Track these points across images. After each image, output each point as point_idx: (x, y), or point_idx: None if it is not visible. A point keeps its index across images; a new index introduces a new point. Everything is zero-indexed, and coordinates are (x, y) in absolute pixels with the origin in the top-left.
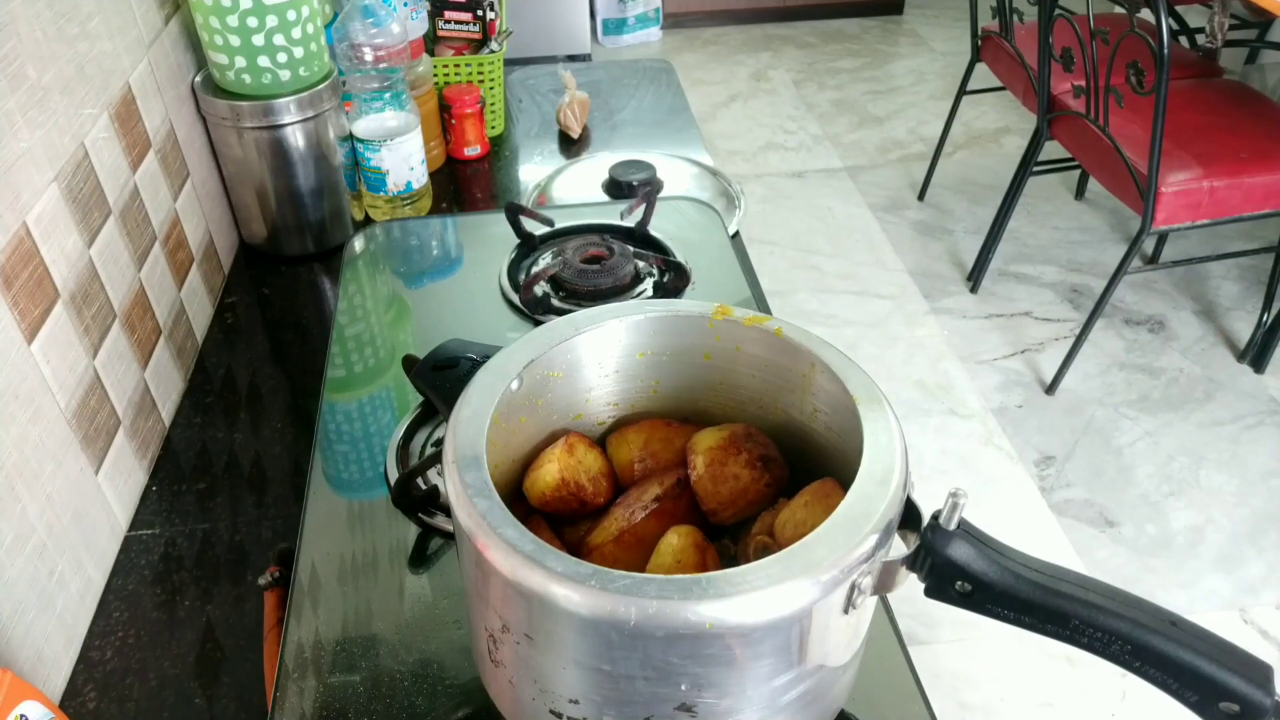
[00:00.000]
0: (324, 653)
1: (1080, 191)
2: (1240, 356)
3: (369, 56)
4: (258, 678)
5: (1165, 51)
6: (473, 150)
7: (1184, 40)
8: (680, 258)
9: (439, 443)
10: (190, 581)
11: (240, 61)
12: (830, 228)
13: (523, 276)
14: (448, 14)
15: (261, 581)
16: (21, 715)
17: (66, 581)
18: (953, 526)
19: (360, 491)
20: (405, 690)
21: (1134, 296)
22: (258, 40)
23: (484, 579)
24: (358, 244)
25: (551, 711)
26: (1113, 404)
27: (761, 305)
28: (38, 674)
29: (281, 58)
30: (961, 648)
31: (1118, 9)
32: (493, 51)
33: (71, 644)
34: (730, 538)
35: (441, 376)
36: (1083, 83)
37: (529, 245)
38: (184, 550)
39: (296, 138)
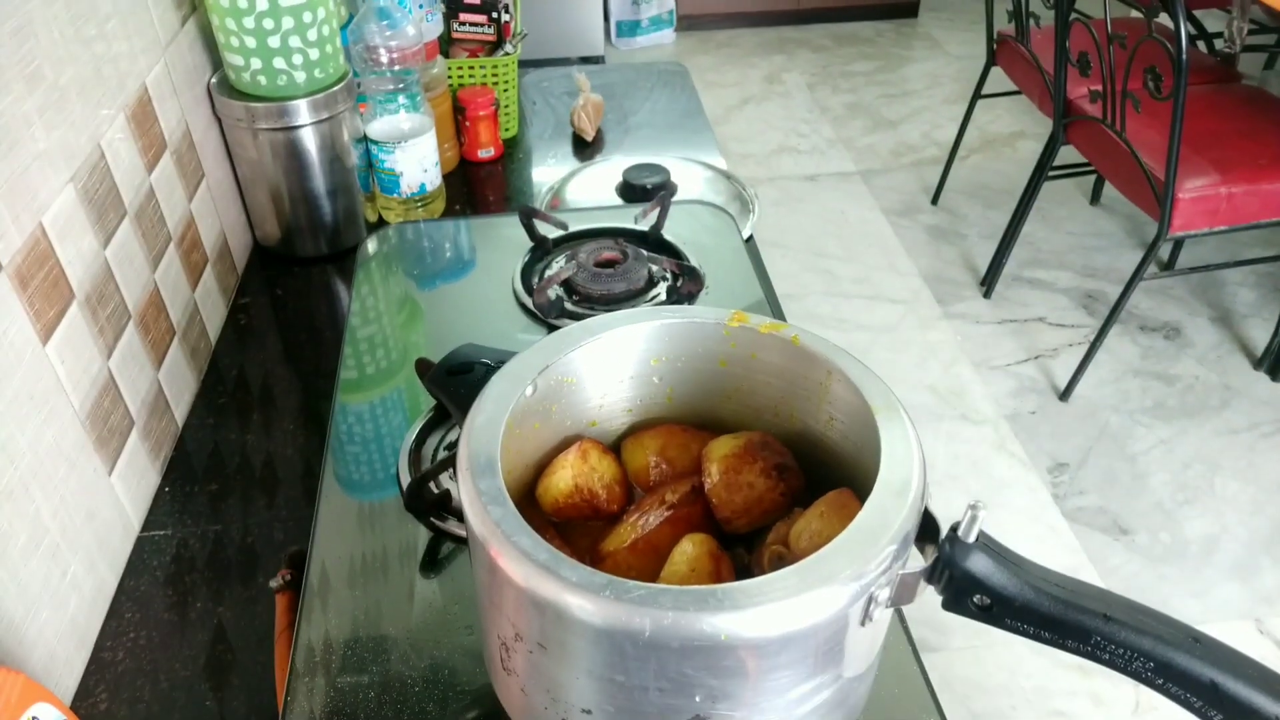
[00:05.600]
0: (334, 656)
1: (1096, 197)
2: (1257, 364)
3: (384, 58)
4: (268, 680)
5: (1183, 56)
6: (486, 152)
7: (1202, 45)
8: (694, 262)
9: (452, 446)
10: (202, 583)
11: (256, 63)
12: (843, 231)
13: (536, 280)
14: (462, 16)
15: (273, 584)
16: (34, 718)
17: (79, 582)
18: (972, 539)
19: (372, 494)
20: (416, 695)
21: (1149, 303)
22: (273, 42)
23: (497, 587)
24: (371, 246)
25: None
26: (1127, 411)
27: (775, 310)
28: (50, 675)
29: (297, 59)
30: (973, 655)
31: (1135, 13)
32: (507, 54)
33: (84, 645)
34: (744, 546)
35: (456, 381)
36: (1099, 87)
37: (542, 248)
38: (196, 551)
39: (311, 139)
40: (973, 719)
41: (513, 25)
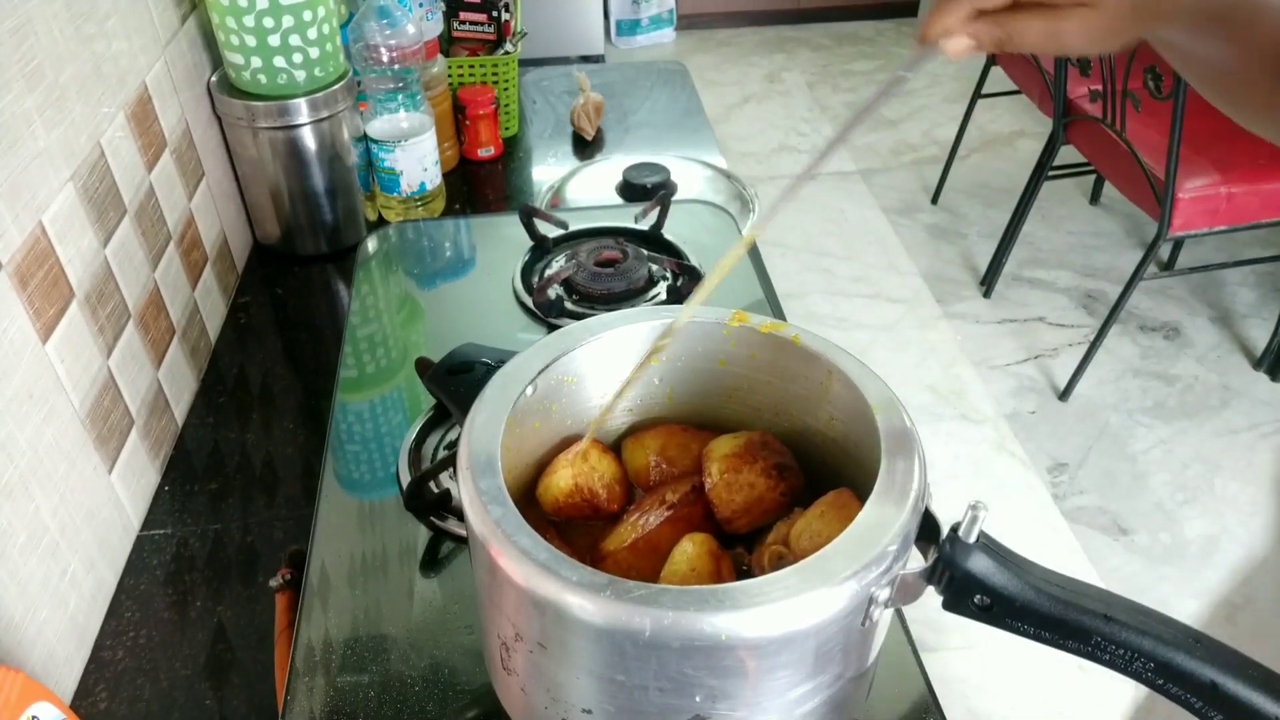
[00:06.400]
0: (334, 655)
1: (1095, 196)
2: (1256, 364)
3: (384, 57)
4: (268, 679)
5: None
6: (486, 151)
7: None
8: (694, 261)
9: (452, 445)
10: (202, 582)
11: (256, 61)
12: (843, 230)
13: (536, 279)
14: (463, 15)
15: (273, 583)
16: (34, 717)
17: (79, 581)
18: (972, 539)
19: (372, 493)
20: (416, 695)
21: (1149, 303)
22: (273, 40)
23: (497, 586)
24: (371, 245)
25: None
26: (1127, 411)
27: (775, 310)
28: (49, 674)
29: (297, 58)
30: (971, 655)
31: None
32: (507, 52)
33: (83, 644)
34: (744, 546)
35: (456, 381)
36: (1099, 87)
37: (543, 248)
38: (196, 550)
39: (311, 138)
40: (973, 719)
41: (513, 24)
